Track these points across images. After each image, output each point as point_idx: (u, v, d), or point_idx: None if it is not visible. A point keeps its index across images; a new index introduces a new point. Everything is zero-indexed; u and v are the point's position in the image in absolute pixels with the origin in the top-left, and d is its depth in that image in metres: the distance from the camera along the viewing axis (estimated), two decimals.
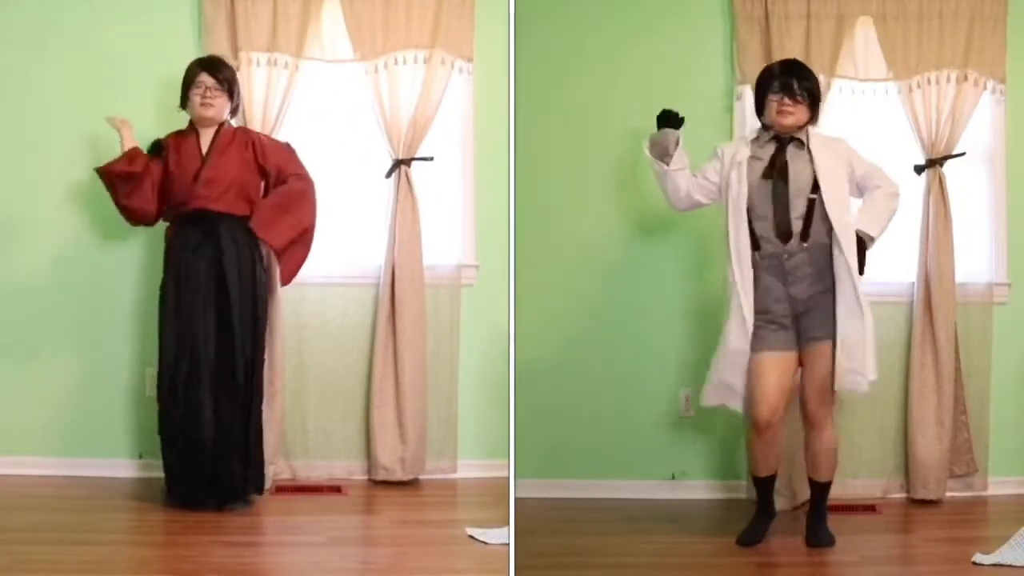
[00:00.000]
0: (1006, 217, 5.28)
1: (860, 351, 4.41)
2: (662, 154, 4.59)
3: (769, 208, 4.46)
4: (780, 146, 4.51)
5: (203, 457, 4.72)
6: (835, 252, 4.43)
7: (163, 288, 4.86)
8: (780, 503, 4.81)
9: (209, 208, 4.82)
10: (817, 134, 4.56)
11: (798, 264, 4.45)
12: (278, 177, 4.93)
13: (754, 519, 4.63)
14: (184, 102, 4.91)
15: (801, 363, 4.52)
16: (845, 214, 4.46)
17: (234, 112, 4.99)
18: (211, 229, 4.81)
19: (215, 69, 4.90)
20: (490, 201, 5.32)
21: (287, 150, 5.02)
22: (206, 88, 4.87)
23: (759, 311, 4.47)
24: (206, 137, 4.92)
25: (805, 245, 4.44)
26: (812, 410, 4.51)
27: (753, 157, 4.54)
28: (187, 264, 4.80)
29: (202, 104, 4.87)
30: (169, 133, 4.95)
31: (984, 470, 5.23)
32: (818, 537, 4.55)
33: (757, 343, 4.47)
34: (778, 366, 4.47)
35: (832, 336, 4.44)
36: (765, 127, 4.58)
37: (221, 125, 4.94)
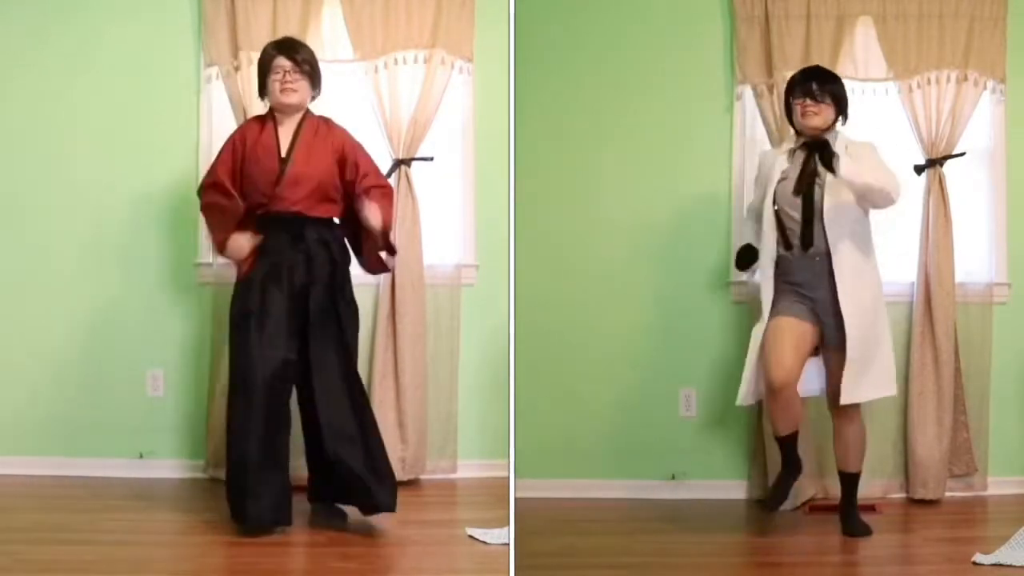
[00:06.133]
0: (1006, 217, 5.28)
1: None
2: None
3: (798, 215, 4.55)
4: (808, 154, 4.56)
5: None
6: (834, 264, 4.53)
7: (239, 297, 4.50)
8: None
9: (293, 211, 4.48)
10: (846, 138, 4.62)
11: (819, 272, 4.53)
12: (358, 183, 4.53)
13: (778, 480, 4.62)
14: (262, 90, 4.59)
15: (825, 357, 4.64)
16: (841, 227, 4.53)
17: (313, 99, 4.66)
18: (298, 235, 4.48)
19: (293, 51, 4.55)
20: (490, 201, 5.32)
21: (367, 155, 4.64)
22: (285, 72, 4.51)
23: (788, 281, 4.55)
24: (287, 128, 4.56)
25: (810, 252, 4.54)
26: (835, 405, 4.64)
27: (782, 177, 4.61)
28: (272, 272, 4.47)
29: (283, 90, 4.50)
30: (248, 119, 4.61)
31: (984, 470, 5.23)
32: (851, 526, 4.65)
33: (776, 308, 4.55)
34: (795, 329, 4.52)
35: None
36: (797, 132, 4.67)
37: (304, 115, 4.59)
